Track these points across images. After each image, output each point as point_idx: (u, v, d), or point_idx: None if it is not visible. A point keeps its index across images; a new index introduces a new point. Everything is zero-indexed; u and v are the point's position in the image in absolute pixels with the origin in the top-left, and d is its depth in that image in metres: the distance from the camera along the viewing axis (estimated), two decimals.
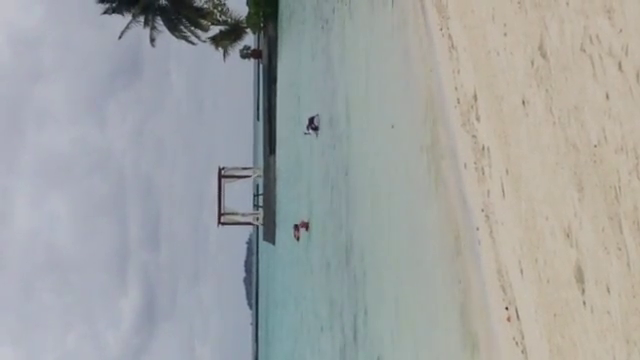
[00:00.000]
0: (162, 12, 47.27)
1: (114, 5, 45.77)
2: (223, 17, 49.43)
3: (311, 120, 25.27)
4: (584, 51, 5.21)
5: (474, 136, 8.47)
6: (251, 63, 56.30)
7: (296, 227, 28.48)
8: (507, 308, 7.30)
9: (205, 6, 48.95)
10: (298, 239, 27.53)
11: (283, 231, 36.07)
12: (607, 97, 4.89)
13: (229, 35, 50.01)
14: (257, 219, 44.67)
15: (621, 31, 4.71)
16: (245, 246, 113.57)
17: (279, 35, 41.56)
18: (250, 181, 48.37)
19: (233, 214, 43.78)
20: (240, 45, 50.98)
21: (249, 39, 52.51)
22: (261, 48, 49.06)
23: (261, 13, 43.62)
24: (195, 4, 48.82)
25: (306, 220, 27.16)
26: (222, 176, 42.05)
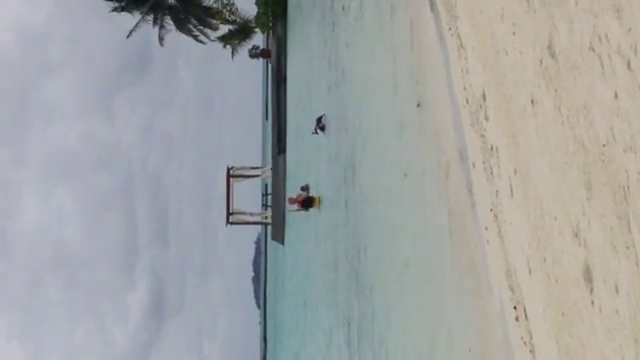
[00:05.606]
0: (171, 11, 47.36)
1: (122, 4, 45.86)
2: (232, 16, 49.46)
3: (318, 120, 25.19)
4: (593, 50, 5.21)
5: (483, 136, 8.47)
6: (260, 63, 56.36)
7: (292, 199, 28.08)
8: (515, 308, 7.29)
9: (214, 5, 49.00)
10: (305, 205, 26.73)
11: (292, 231, 36.11)
12: (616, 96, 4.88)
13: (238, 34, 50.06)
14: (265, 218, 44.71)
15: (630, 30, 4.71)
16: (254, 245, 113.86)
17: (288, 35, 41.58)
18: (259, 180, 48.42)
19: (242, 213, 43.84)
20: (249, 45, 51.04)
21: (258, 39, 52.56)
22: (270, 48, 49.09)
23: (270, 13, 43.66)
24: (204, 3, 48.89)
25: (306, 193, 26.64)
26: (231, 175, 42.12)
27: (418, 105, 11.99)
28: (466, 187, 9.21)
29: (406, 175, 13.16)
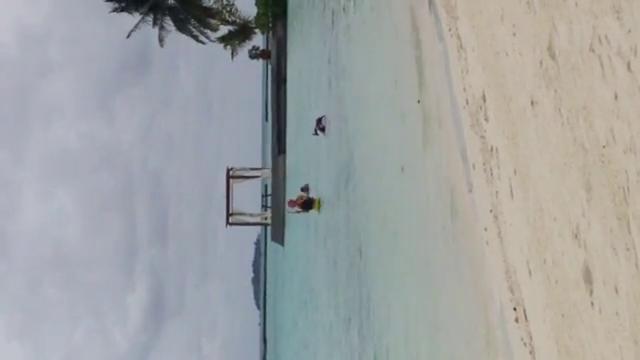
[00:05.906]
0: (171, 12, 47.39)
1: (122, 4, 45.90)
2: (232, 17, 49.51)
3: (319, 121, 25.16)
4: (593, 51, 5.21)
5: (482, 137, 8.46)
6: (259, 64, 56.43)
7: (292, 202, 28.00)
8: (515, 309, 7.29)
9: (214, 6, 49.03)
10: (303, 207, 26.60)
11: (292, 232, 36.11)
12: (616, 97, 4.88)
13: (238, 35, 50.13)
14: (265, 219, 44.72)
15: (630, 31, 4.70)
16: (253, 246, 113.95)
17: (288, 35, 41.59)
18: (259, 181, 48.45)
19: (241, 214, 43.85)
20: (249, 45, 51.08)
21: (258, 39, 52.60)
22: (270, 48, 49.11)
23: (270, 13, 43.69)
24: (204, 4, 48.93)
25: (306, 194, 26.57)
26: (230, 176, 42.13)
27: (418, 101, 11.99)
28: (466, 188, 9.21)
29: (403, 170, 13.17)
